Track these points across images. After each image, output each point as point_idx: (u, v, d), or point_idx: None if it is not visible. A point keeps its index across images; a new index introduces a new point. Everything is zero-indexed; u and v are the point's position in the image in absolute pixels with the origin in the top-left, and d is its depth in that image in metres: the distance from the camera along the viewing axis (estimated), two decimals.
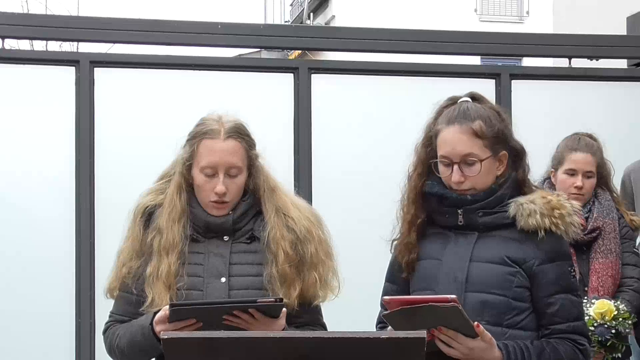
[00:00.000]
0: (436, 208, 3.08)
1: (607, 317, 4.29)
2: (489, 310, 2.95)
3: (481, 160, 3.00)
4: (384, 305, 2.95)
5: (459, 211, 3.03)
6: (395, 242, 3.18)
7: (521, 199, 3.03)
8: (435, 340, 2.86)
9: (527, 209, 3.00)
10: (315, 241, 3.19)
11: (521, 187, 3.07)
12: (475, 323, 2.83)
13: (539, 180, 4.28)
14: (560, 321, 2.99)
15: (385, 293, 3.20)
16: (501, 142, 3.04)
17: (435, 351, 2.86)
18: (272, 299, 2.95)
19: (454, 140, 3.00)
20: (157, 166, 3.39)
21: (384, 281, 3.24)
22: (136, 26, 5.83)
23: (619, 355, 4.34)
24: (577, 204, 3.12)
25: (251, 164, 3.20)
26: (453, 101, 3.11)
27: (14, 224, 5.54)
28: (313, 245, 3.18)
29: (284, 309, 2.98)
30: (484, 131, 3.00)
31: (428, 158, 3.09)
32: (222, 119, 3.17)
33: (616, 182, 4.92)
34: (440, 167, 3.04)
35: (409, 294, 3.10)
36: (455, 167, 3.00)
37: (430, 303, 2.75)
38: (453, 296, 2.76)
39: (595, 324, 4.23)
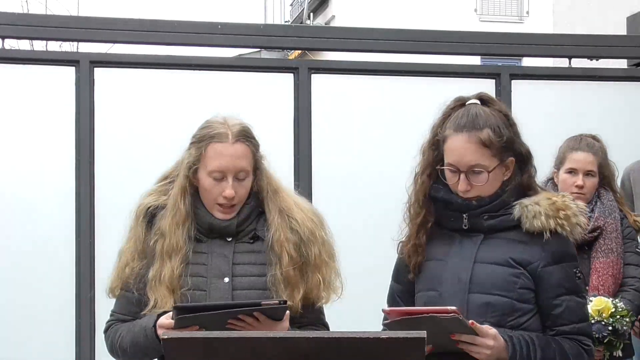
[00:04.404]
0: (442, 211, 3.08)
1: (604, 315, 4.29)
2: (492, 311, 2.95)
3: (488, 171, 2.98)
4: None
5: (464, 216, 3.03)
6: (401, 244, 3.17)
7: (526, 201, 3.02)
8: (459, 344, 2.86)
9: (532, 210, 2.99)
10: (318, 243, 3.17)
11: (526, 190, 3.06)
12: (471, 321, 2.83)
13: (542, 181, 4.28)
14: (565, 323, 2.99)
15: (391, 293, 3.21)
16: (509, 149, 3.02)
17: (436, 353, 2.86)
18: (276, 301, 2.93)
19: (461, 149, 2.98)
20: (157, 166, 3.38)
21: (390, 280, 3.24)
22: (136, 26, 5.83)
23: (620, 354, 4.34)
24: (582, 204, 3.12)
25: (257, 166, 3.19)
26: (461, 102, 3.08)
27: (14, 224, 5.54)
28: (316, 247, 3.16)
29: (287, 312, 2.97)
30: (492, 141, 2.97)
31: (435, 161, 3.07)
32: (228, 122, 3.15)
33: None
34: (447, 174, 3.02)
35: (414, 295, 3.10)
36: (462, 176, 2.99)
37: (431, 314, 2.75)
38: (454, 307, 2.77)
39: (592, 321, 4.23)
